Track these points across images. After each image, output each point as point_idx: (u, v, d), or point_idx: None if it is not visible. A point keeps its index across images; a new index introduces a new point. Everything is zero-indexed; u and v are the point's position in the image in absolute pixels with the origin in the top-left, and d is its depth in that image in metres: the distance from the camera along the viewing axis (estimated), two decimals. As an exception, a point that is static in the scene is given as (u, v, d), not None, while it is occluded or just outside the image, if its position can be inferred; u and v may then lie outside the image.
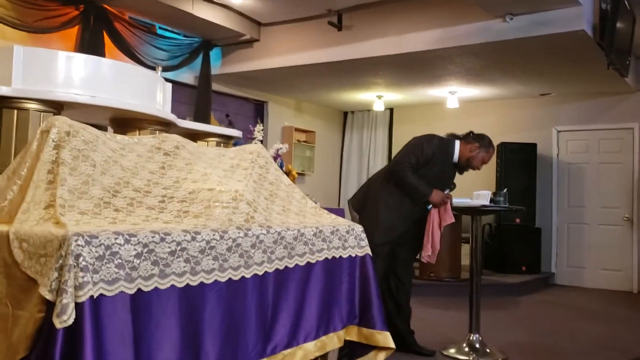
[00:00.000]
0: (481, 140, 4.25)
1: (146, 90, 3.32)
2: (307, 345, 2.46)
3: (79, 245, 1.63)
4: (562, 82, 7.73)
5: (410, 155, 4.14)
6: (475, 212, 4.38)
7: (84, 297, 1.59)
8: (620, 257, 8.00)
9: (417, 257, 4.40)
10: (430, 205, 4.18)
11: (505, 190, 4.58)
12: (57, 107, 2.95)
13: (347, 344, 2.75)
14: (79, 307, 1.58)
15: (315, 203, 2.98)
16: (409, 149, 4.24)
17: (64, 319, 1.55)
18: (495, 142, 8.10)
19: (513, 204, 4.60)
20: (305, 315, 2.47)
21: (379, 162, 9.79)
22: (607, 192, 8.18)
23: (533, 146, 8.37)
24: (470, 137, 4.28)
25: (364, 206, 4.28)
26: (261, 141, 6.56)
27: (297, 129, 9.26)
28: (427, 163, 4.14)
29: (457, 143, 4.26)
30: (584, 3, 5.34)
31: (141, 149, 2.34)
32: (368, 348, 2.74)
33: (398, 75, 7.59)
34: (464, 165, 4.28)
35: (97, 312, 1.63)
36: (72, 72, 2.96)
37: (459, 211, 4.47)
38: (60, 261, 1.62)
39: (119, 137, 2.38)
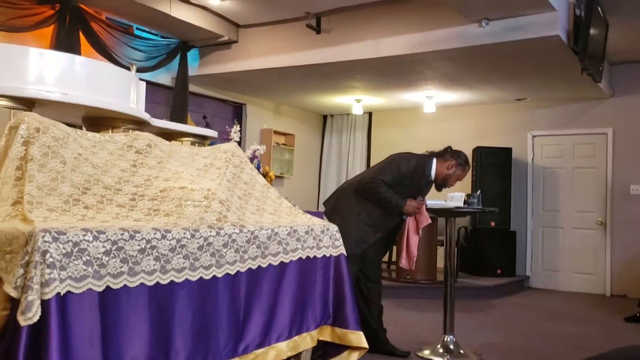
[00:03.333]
0: (458, 157, 4.29)
1: (119, 88, 3.29)
2: (279, 345, 2.46)
3: (45, 241, 1.60)
4: (537, 87, 7.83)
5: (386, 173, 4.16)
6: (449, 213, 4.42)
7: (50, 294, 1.57)
8: (594, 260, 8.12)
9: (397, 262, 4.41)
10: (406, 215, 4.22)
11: (479, 192, 4.62)
12: (28, 104, 2.90)
13: (321, 344, 2.75)
14: (45, 304, 1.56)
15: (294, 206, 2.96)
16: (385, 165, 4.25)
17: (29, 316, 1.52)
18: (471, 147, 8.33)
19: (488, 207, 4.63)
20: (278, 315, 2.46)
21: (358, 166, 9.82)
22: (581, 196, 8.29)
23: (508, 150, 8.47)
24: (448, 154, 4.31)
25: (332, 217, 4.26)
26: (239, 142, 6.52)
27: (276, 132, 9.23)
28: (401, 182, 4.17)
29: (434, 161, 4.29)
30: (559, 9, 5.41)
31: (112, 146, 2.32)
32: (341, 348, 2.74)
33: (376, 79, 7.62)
34: (440, 183, 4.32)
35: (63, 309, 1.61)
36: (44, 69, 2.91)
37: (433, 213, 4.51)
38: (26, 257, 1.59)
39: (90, 134, 2.35)
